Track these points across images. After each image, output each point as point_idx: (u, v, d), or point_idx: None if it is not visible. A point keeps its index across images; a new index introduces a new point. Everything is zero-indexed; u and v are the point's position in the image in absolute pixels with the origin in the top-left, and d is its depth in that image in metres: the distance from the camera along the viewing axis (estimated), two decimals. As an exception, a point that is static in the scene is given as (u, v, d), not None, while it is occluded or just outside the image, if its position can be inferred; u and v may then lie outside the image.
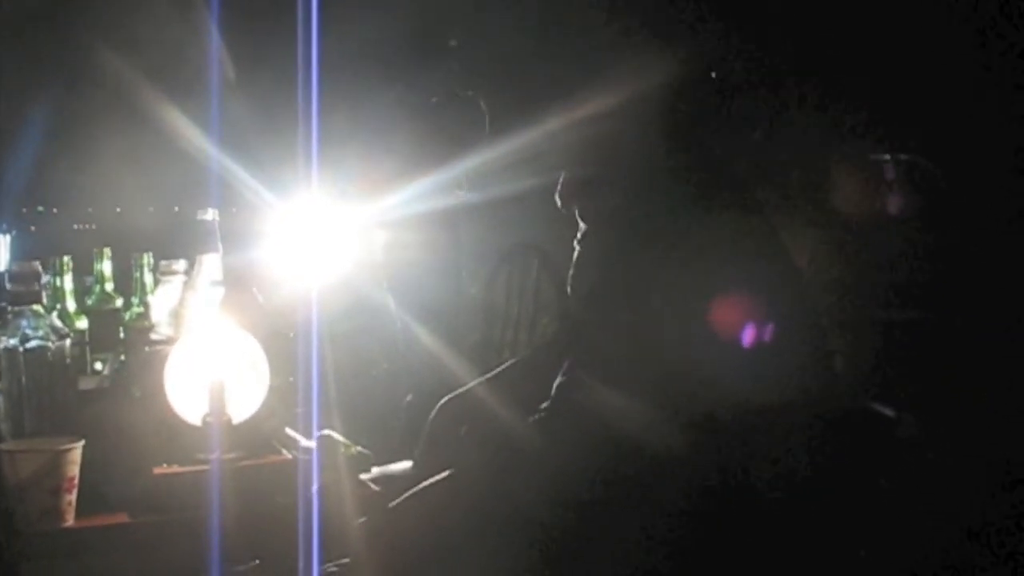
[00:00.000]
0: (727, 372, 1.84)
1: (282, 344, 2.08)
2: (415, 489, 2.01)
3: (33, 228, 3.55)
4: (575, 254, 2.09)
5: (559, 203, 2.08)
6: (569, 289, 2.09)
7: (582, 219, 2.08)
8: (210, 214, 2.14)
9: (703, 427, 1.87)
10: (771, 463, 1.88)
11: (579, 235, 2.10)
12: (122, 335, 2.24)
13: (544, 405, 1.94)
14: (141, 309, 2.20)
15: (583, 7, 2.13)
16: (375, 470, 2.10)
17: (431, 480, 2.00)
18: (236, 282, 2.07)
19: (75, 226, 3.60)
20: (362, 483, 2.02)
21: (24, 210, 3.59)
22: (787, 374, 1.86)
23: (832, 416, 1.97)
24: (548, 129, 2.09)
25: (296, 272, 2.30)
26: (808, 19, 2.74)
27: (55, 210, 3.66)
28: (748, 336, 1.89)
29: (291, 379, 2.04)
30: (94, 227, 3.60)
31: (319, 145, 2.54)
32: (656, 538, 1.87)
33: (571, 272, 2.09)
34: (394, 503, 1.98)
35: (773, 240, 2.01)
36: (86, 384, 2.09)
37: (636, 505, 1.89)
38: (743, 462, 1.88)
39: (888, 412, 2.34)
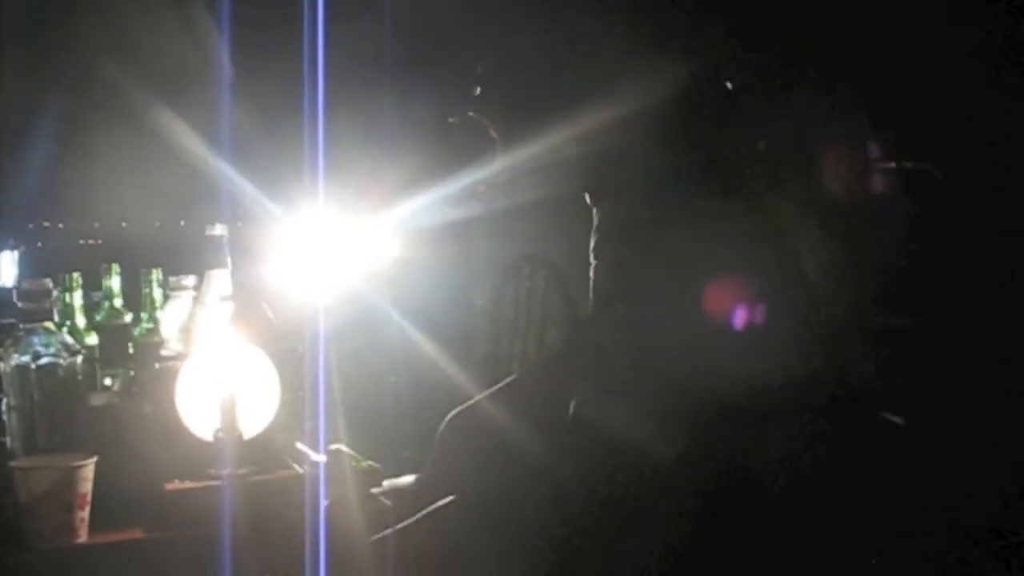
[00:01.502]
0: (728, 362, 1.87)
1: (292, 359, 2.12)
2: (425, 511, 2.04)
3: (40, 244, 3.58)
4: (592, 267, 2.12)
5: (589, 200, 2.11)
6: (592, 300, 2.12)
7: (598, 225, 2.11)
8: (219, 229, 2.18)
9: (707, 429, 1.90)
10: (778, 467, 1.90)
11: (593, 246, 2.13)
12: (131, 351, 2.27)
13: (561, 424, 1.97)
14: (151, 325, 2.24)
15: (597, 23, 2.16)
16: (385, 483, 2.13)
17: (442, 502, 2.03)
18: (246, 297, 2.11)
19: (81, 241, 3.63)
20: (372, 497, 2.05)
21: (31, 225, 3.62)
22: (778, 357, 1.89)
23: (842, 424, 2.00)
24: (563, 141, 2.12)
25: (304, 286, 2.32)
26: (814, 20, 2.76)
27: (61, 225, 3.68)
28: (744, 320, 1.93)
29: (300, 393, 2.07)
30: (100, 242, 3.63)
31: (326, 157, 2.56)
32: (663, 548, 1.90)
33: (591, 284, 2.12)
34: (404, 523, 2.02)
35: (779, 244, 2.04)
36: (96, 400, 2.11)
37: (643, 517, 1.92)
38: (749, 467, 1.91)
39: (898, 420, 2.37)
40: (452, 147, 2.56)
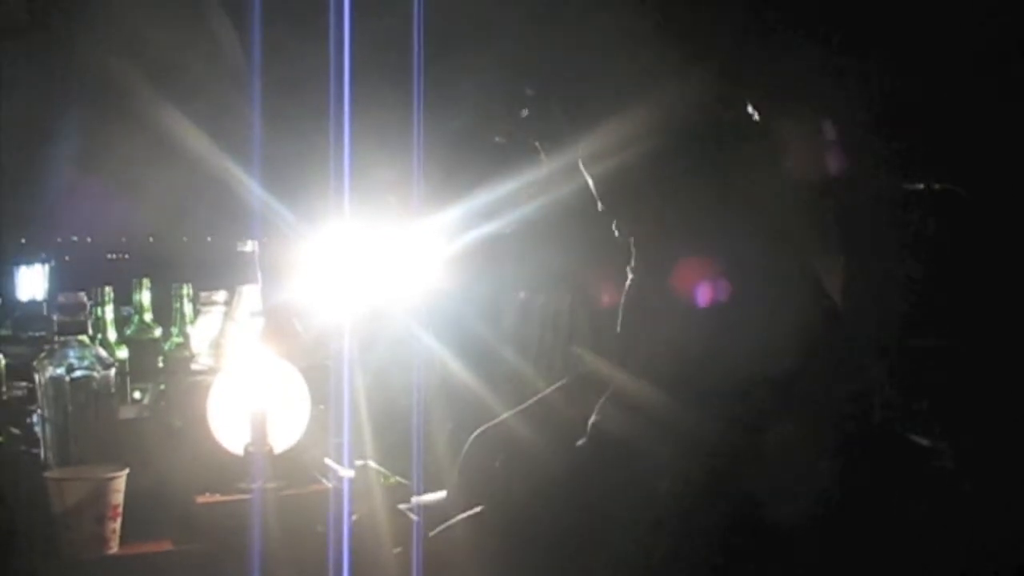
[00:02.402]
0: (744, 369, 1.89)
1: (321, 374, 2.14)
2: (449, 522, 2.06)
3: (67, 258, 3.64)
4: (627, 283, 2.14)
5: (616, 233, 2.14)
6: (619, 323, 2.14)
7: (635, 247, 2.13)
8: (249, 245, 2.23)
9: (732, 451, 1.91)
10: (797, 494, 1.91)
11: (631, 265, 2.15)
12: (161, 365, 2.31)
13: (580, 442, 1.99)
14: (181, 339, 2.28)
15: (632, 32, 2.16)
16: (413, 499, 2.15)
17: (466, 514, 2.06)
18: (276, 312, 2.15)
19: (109, 255, 3.68)
20: (400, 513, 2.08)
21: (59, 239, 3.67)
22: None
23: (866, 445, 2.01)
24: (588, 157, 2.14)
25: (332, 301, 2.33)
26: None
27: (89, 239, 3.74)
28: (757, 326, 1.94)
29: (321, 407, 2.09)
30: (127, 256, 3.68)
31: (353, 170, 2.54)
32: (690, 567, 1.92)
33: (622, 301, 2.14)
34: (430, 535, 2.04)
35: (803, 272, 2.06)
36: (126, 413, 2.15)
37: (670, 535, 1.93)
38: (771, 491, 1.92)
39: (923, 442, 2.38)
40: (494, 161, 2.56)
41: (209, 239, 3.33)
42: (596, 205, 2.20)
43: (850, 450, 1.97)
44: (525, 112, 2.31)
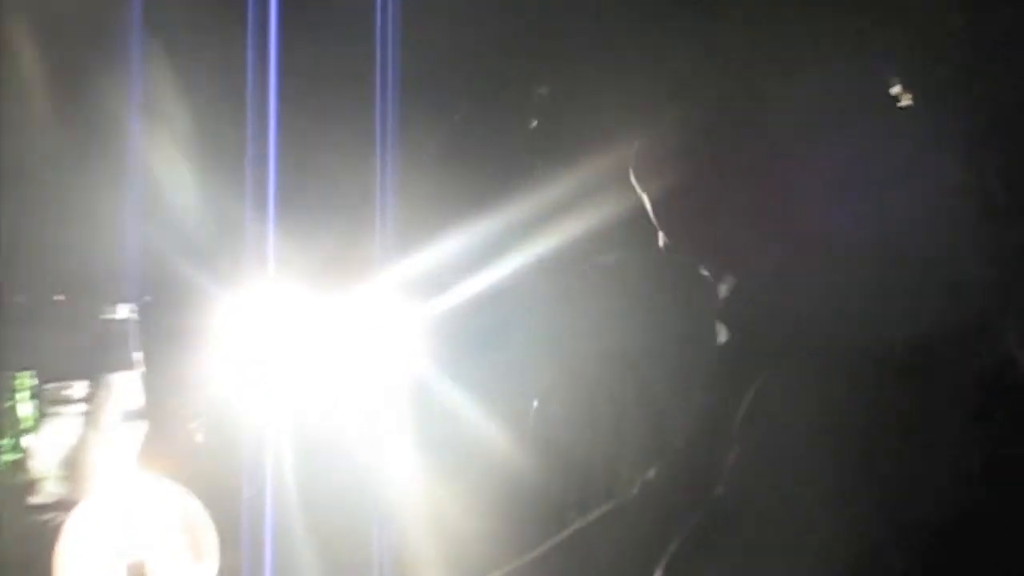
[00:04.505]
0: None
1: (233, 503, 2.01)
2: None
3: None
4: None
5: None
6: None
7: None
8: (121, 311, 2.13)
9: None
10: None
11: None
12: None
13: None
14: (17, 455, 2.08)
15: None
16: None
17: None
18: (164, 413, 2.00)
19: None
20: None
21: None
22: None
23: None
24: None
25: (252, 391, 2.16)
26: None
27: None
28: None
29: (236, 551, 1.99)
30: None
31: (279, 197, 2.40)
32: None
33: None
34: None
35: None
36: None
37: None
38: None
39: None
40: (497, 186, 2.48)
41: (59, 298, 3.11)
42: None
43: (995, 427, 1.74)
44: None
